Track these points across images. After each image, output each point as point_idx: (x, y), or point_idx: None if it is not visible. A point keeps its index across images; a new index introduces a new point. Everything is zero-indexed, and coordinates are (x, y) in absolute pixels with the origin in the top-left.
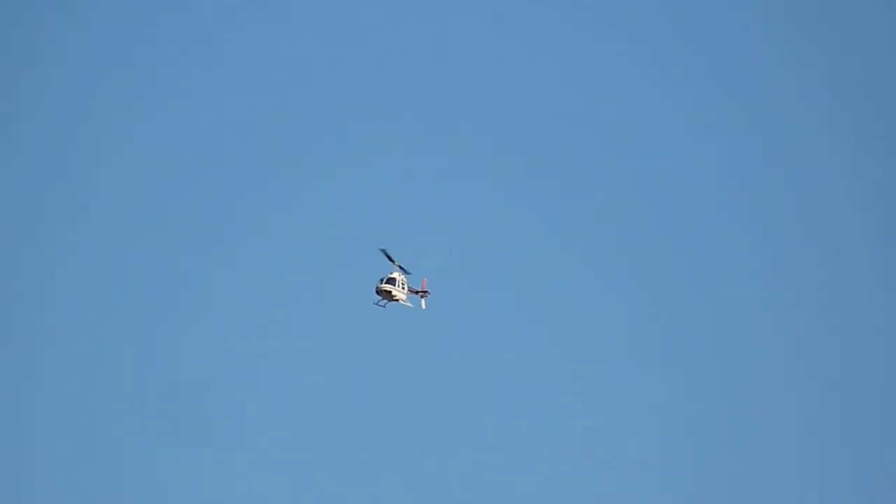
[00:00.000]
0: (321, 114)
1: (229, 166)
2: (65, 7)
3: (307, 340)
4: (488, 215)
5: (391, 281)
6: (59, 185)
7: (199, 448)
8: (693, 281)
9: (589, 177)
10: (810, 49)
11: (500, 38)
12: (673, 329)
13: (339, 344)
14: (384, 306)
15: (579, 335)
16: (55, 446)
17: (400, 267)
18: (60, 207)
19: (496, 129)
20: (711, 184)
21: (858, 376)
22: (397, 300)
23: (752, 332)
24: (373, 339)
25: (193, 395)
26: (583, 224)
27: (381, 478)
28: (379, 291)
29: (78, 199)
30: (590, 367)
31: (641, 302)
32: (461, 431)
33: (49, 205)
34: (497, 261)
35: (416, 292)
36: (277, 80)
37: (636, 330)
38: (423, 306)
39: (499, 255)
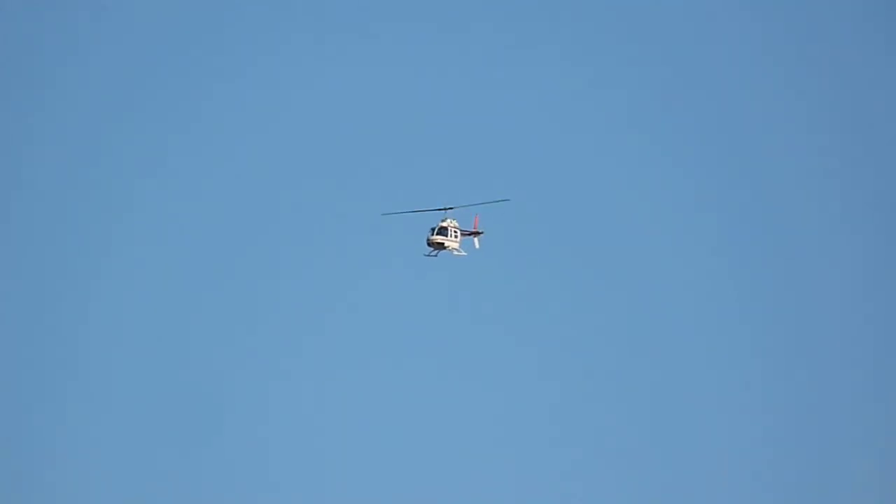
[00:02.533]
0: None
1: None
2: None
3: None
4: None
5: (443, 231)
6: None
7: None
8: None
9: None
10: None
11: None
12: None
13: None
14: (436, 255)
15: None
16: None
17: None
18: None
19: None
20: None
21: None
22: (448, 249)
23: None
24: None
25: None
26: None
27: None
28: (431, 243)
29: None
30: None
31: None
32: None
33: None
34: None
35: (469, 233)
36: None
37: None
38: (477, 245)
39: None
